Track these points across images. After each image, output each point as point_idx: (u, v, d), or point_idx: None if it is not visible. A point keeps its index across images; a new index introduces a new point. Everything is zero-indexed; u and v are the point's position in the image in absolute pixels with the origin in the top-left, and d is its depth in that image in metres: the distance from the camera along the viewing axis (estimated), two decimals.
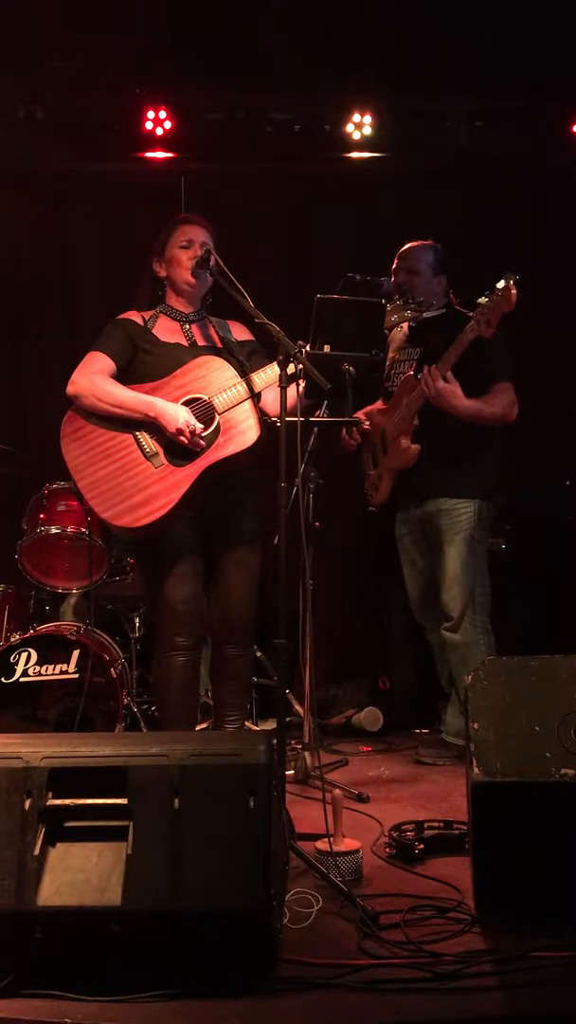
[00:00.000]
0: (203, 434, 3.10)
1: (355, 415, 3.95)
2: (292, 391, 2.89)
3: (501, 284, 3.36)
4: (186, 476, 3.09)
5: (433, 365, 3.63)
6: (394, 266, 3.90)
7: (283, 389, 2.85)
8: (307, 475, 3.67)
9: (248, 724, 4.20)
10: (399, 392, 3.85)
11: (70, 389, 3.17)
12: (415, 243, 3.93)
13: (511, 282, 3.34)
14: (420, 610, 4.06)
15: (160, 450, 3.12)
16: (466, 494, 3.78)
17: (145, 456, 3.12)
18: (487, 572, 3.85)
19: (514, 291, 3.33)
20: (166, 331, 3.30)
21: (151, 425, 3.12)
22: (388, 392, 3.96)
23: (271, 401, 3.18)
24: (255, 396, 3.17)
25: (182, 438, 3.06)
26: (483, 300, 3.43)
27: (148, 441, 3.13)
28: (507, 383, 3.71)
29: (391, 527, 4.79)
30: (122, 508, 3.07)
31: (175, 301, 3.36)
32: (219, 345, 3.31)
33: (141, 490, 3.08)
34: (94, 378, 3.15)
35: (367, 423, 3.92)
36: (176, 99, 5.00)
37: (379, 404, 4.02)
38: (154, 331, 3.28)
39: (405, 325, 3.98)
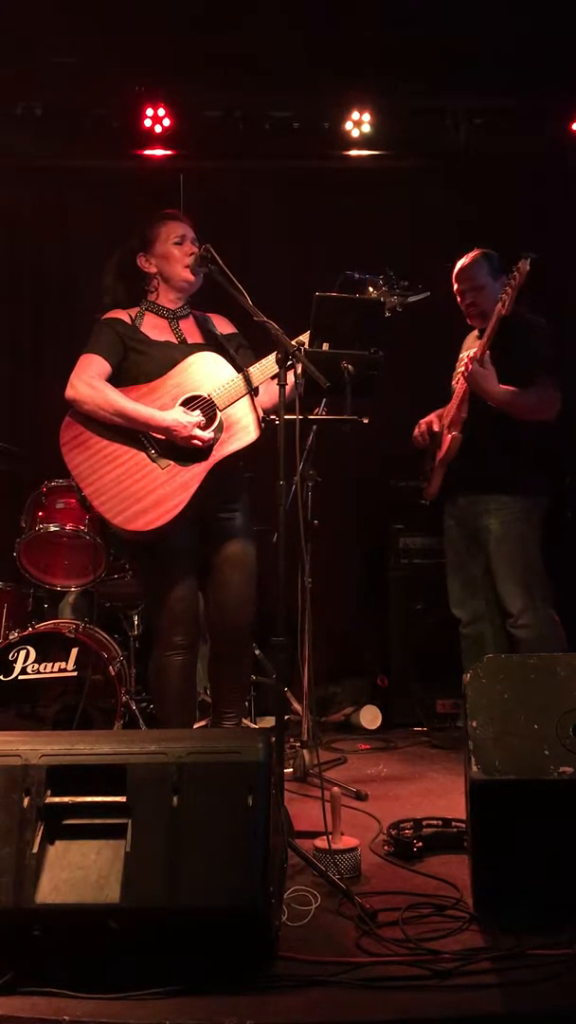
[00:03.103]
0: (208, 429, 3.09)
1: (429, 417, 3.96)
2: (289, 378, 2.88)
3: (515, 265, 3.47)
4: (195, 475, 3.07)
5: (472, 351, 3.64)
6: (455, 288, 3.88)
7: (281, 388, 2.84)
8: (306, 473, 3.67)
9: (246, 722, 4.21)
10: (457, 387, 3.85)
11: (70, 393, 3.11)
12: (466, 258, 3.89)
13: (524, 259, 3.44)
14: (459, 603, 3.98)
15: (166, 450, 3.09)
16: (506, 489, 3.75)
17: (151, 458, 3.09)
18: (543, 565, 3.78)
19: (525, 267, 3.44)
20: (154, 329, 3.26)
21: None
22: (452, 391, 3.96)
23: (269, 397, 3.18)
24: (254, 391, 3.16)
25: (196, 442, 3.05)
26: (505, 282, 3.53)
27: (153, 442, 3.10)
28: (547, 378, 3.69)
29: (390, 525, 4.81)
30: (132, 512, 3.03)
31: (163, 298, 3.32)
32: (209, 340, 3.29)
33: (150, 493, 3.05)
34: (94, 383, 3.10)
35: (436, 426, 3.93)
36: (175, 96, 4.99)
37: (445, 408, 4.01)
38: (143, 329, 3.24)
39: (475, 331, 3.97)
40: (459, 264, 3.91)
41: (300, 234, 5.22)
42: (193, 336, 3.30)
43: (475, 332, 4.01)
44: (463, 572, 3.95)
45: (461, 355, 4.01)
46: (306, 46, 4.59)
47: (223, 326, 3.36)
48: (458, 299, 3.90)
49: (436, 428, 3.93)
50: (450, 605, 4.01)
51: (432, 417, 3.98)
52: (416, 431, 3.97)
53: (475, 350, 3.67)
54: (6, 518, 4.37)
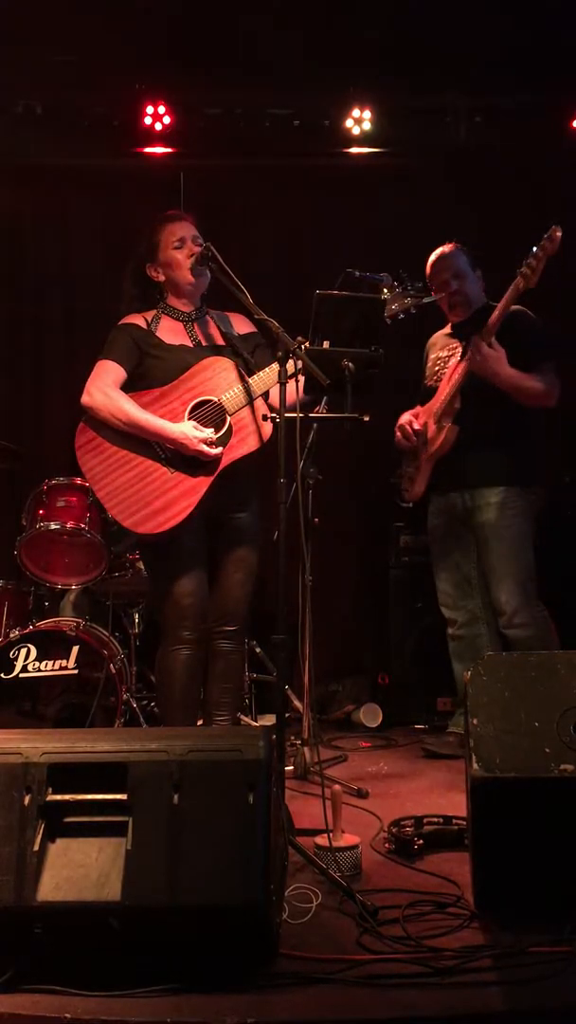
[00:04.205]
0: (216, 436, 3.12)
1: (407, 417, 3.90)
2: (292, 387, 2.89)
3: (547, 233, 3.39)
4: (203, 480, 3.11)
5: (477, 334, 3.57)
6: (435, 279, 3.82)
7: (282, 385, 2.85)
8: (306, 471, 3.67)
9: (247, 720, 4.21)
10: (442, 382, 3.79)
11: (86, 400, 3.17)
12: (443, 250, 3.85)
13: (555, 228, 3.38)
14: (452, 605, 3.91)
15: (175, 455, 3.13)
16: (507, 481, 3.68)
17: (161, 463, 3.14)
18: (534, 562, 3.71)
19: (558, 234, 3.36)
20: (170, 333, 3.30)
21: None
22: (429, 390, 3.90)
23: (273, 396, 3.19)
24: (263, 396, 3.17)
25: (202, 457, 3.09)
26: (532, 253, 3.43)
27: (163, 448, 3.14)
28: (551, 363, 3.64)
29: (391, 523, 4.80)
30: (143, 515, 3.09)
31: (175, 301, 3.34)
32: (222, 342, 3.30)
33: (160, 496, 3.10)
34: (109, 392, 3.15)
35: (417, 424, 3.85)
36: (175, 94, 5.00)
37: (418, 408, 3.95)
38: (158, 333, 3.28)
39: (448, 327, 3.93)
40: (437, 254, 3.85)
41: (300, 231, 5.22)
42: (208, 338, 3.32)
43: (445, 331, 3.97)
44: (456, 572, 3.88)
45: (434, 355, 3.96)
46: (306, 44, 4.60)
47: (241, 326, 3.37)
48: (433, 291, 3.80)
49: (418, 426, 3.86)
50: (442, 608, 3.94)
51: (409, 417, 3.91)
52: (399, 433, 3.90)
53: (481, 333, 3.58)
54: (7, 516, 4.37)
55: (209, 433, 3.10)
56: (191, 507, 3.08)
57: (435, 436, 3.78)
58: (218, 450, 3.11)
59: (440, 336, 4.01)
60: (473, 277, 3.84)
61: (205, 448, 3.08)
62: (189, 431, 3.09)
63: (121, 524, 3.13)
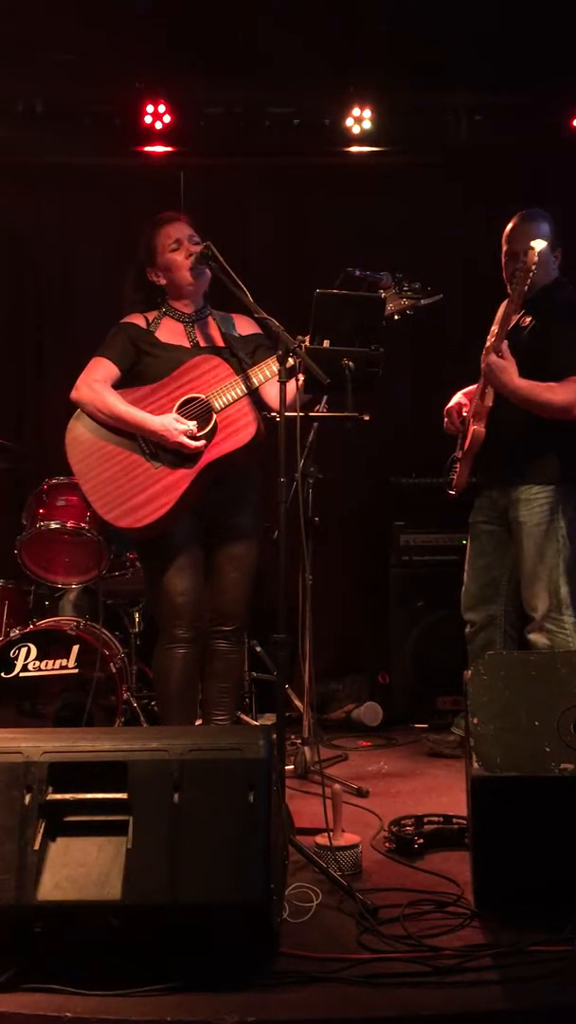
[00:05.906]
0: (200, 433, 3.12)
1: (459, 399, 3.74)
2: (292, 385, 2.89)
3: (524, 256, 3.27)
4: (184, 476, 3.11)
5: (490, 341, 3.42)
6: (505, 248, 3.59)
7: (282, 384, 2.85)
8: (307, 470, 3.67)
9: (247, 718, 4.22)
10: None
11: (74, 395, 3.21)
12: (524, 214, 3.58)
13: (531, 251, 3.25)
14: (473, 607, 3.75)
15: (159, 451, 3.14)
16: (543, 480, 3.50)
17: (145, 457, 3.15)
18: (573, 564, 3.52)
19: (535, 257, 3.24)
20: (169, 333, 3.30)
21: None
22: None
23: (273, 396, 3.19)
24: (253, 393, 3.17)
25: (183, 449, 3.10)
26: (515, 276, 3.31)
27: (148, 443, 3.15)
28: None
29: (391, 522, 4.80)
30: (123, 510, 3.11)
31: (177, 303, 3.34)
32: (221, 343, 3.30)
33: (141, 491, 3.12)
34: (95, 387, 3.18)
35: (466, 409, 3.68)
36: (175, 93, 4.98)
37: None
38: (157, 333, 3.29)
39: (505, 302, 3.59)
40: (520, 216, 3.61)
41: (300, 230, 5.21)
42: (208, 340, 3.32)
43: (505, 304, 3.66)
44: (486, 574, 3.72)
45: (494, 328, 3.65)
46: (306, 42, 4.58)
47: (244, 327, 3.36)
48: (504, 261, 3.60)
49: (466, 412, 3.67)
50: (462, 608, 3.81)
51: (460, 399, 3.74)
52: (446, 419, 3.73)
53: (492, 336, 3.44)
54: (7, 515, 4.36)
55: (191, 425, 3.11)
56: (172, 502, 3.09)
57: (468, 434, 3.61)
58: (199, 443, 3.11)
59: (500, 308, 3.67)
60: (550, 257, 3.54)
61: (186, 440, 3.09)
62: (170, 423, 3.10)
63: (102, 517, 3.15)
